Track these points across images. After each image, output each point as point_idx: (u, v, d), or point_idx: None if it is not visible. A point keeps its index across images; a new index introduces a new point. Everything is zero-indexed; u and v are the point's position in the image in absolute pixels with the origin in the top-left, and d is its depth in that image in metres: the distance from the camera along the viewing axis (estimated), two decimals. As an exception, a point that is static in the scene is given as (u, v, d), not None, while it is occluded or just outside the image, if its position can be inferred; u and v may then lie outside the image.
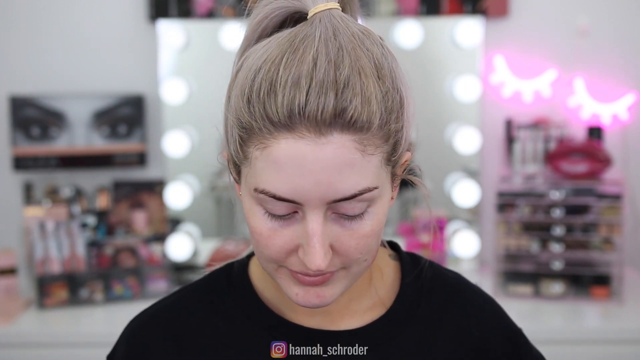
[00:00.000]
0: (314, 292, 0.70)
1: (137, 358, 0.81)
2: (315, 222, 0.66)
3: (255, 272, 0.83)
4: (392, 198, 0.74)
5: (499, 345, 0.83)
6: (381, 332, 0.79)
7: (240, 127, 0.67)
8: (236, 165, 0.71)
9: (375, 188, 0.67)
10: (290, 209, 0.67)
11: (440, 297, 0.83)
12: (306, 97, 0.63)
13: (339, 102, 0.63)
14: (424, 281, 0.83)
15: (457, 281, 0.87)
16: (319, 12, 0.68)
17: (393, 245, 0.87)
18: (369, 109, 0.64)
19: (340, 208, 0.67)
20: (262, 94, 0.65)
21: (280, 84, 0.64)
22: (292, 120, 0.63)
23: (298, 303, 0.71)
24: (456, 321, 0.82)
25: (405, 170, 0.74)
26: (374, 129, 0.65)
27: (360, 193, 0.66)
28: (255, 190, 0.67)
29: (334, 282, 0.71)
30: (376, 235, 0.70)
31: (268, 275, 0.74)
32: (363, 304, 0.80)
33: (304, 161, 0.64)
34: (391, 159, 0.69)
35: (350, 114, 0.63)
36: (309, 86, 0.63)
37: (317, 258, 0.66)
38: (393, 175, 0.71)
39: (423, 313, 0.81)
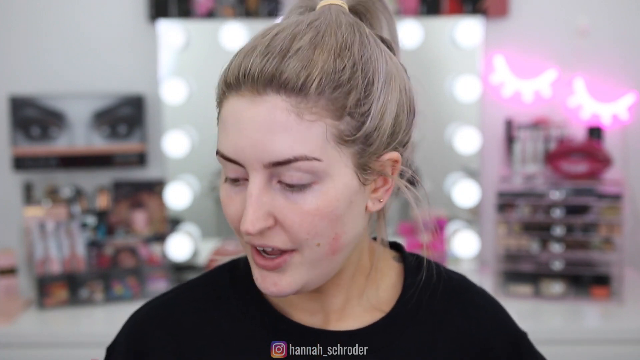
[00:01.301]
0: (270, 279, 0.71)
1: (138, 351, 0.81)
2: (253, 184, 0.67)
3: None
4: (379, 200, 0.73)
5: (499, 347, 0.83)
6: (381, 334, 0.79)
7: (216, 96, 0.72)
8: None
9: (316, 160, 0.66)
10: (239, 172, 0.69)
11: (442, 299, 0.83)
12: (252, 60, 0.67)
13: (280, 65, 0.66)
14: (427, 283, 0.82)
15: (461, 283, 0.86)
16: (322, 5, 0.73)
17: (398, 247, 0.87)
18: (307, 74, 0.66)
19: (281, 175, 0.67)
20: (229, 62, 0.70)
21: (241, 52, 0.69)
22: (238, 82, 0.67)
23: (260, 289, 0.72)
24: (456, 323, 0.82)
25: (400, 173, 0.74)
26: (311, 94, 0.66)
27: (296, 159, 0.66)
28: (217, 154, 0.70)
29: (290, 269, 0.70)
30: (326, 218, 0.68)
31: None
32: (363, 305, 0.80)
33: (241, 118, 0.67)
34: (346, 139, 0.68)
35: (285, 75, 0.66)
36: (260, 52, 0.67)
37: (247, 220, 0.67)
38: (363, 166, 0.70)
39: (424, 315, 0.81)
